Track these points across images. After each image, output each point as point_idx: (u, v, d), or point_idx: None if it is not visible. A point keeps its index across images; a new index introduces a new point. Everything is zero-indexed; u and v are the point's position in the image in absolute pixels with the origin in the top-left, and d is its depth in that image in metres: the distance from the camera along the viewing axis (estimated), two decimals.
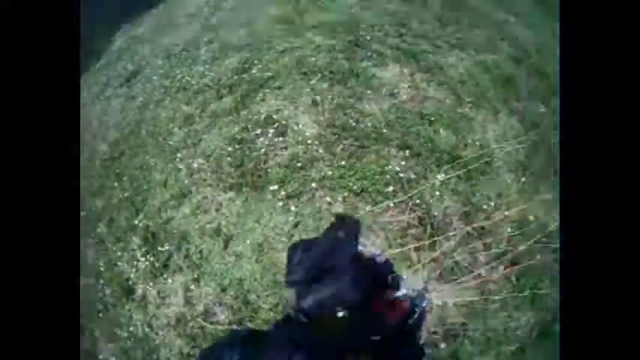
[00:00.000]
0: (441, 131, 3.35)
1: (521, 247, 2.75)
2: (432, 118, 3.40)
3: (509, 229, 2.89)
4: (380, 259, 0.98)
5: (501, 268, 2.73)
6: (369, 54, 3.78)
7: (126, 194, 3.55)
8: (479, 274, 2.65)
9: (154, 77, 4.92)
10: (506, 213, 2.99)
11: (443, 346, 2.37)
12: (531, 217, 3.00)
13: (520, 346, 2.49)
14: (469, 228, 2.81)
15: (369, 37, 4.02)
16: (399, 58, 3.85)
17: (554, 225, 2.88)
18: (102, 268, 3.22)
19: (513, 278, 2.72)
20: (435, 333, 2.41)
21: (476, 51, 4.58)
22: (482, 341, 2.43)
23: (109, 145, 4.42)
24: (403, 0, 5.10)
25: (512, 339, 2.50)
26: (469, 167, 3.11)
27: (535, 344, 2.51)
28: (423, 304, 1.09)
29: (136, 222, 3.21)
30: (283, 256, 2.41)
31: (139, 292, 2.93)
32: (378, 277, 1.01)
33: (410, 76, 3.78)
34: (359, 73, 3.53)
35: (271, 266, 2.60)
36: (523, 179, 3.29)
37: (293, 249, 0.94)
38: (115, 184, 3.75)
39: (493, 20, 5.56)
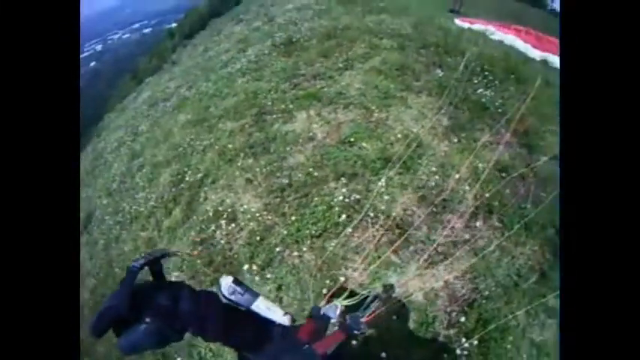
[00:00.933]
0: (364, 145, 3.70)
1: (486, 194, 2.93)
2: (352, 139, 3.76)
3: (467, 187, 3.15)
4: (225, 290, 1.04)
5: (478, 221, 2.89)
6: (275, 116, 4.23)
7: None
8: (462, 240, 2.79)
9: (106, 217, 5.08)
10: (457, 175, 3.27)
11: (463, 319, 2.47)
12: (480, 165, 3.33)
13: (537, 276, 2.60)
14: (432, 207, 3.01)
15: (270, 102, 4.50)
16: (302, 106, 4.33)
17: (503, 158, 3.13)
18: None
19: (495, 221, 2.90)
20: (450, 313, 2.50)
21: (362, 62, 5.11)
22: (499, 293, 2.53)
23: (90, 292, 4.47)
24: (284, 55, 5.73)
25: (525, 275, 2.61)
26: (403, 159, 3.37)
27: (552, 266, 2.66)
28: (361, 328, 1.23)
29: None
30: None
31: None
32: (224, 308, 0.98)
33: (317, 115, 4.23)
34: (275, 136, 3.93)
35: None
36: (456, 140, 3.64)
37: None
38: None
39: (368, 27, 6.23)
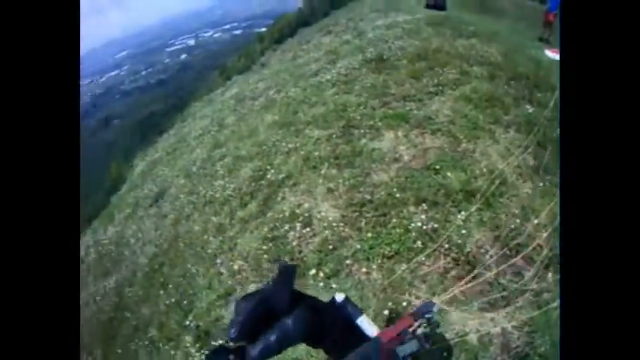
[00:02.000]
0: (449, 175, 3.58)
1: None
2: (437, 167, 3.66)
3: (544, 234, 2.91)
4: (339, 299, 1.01)
5: (549, 273, 2.69)
6: (362, 131, 4.24)
7: (172, 300, 3.85)
8: (529, 289, 2.62)
9: (181, 195, 5.48)
10: (536, 221, 3.05)
11: None
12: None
13: None
14: (506, 250, 2.85)
15: (358, 117, 4.53)
16: (390, 125, 4.30)
17: None
18: None
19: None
20: None
21: (452, 88, 5.01)
22: (552, 353, 2.35)
23: (148, 259, 4.85)
24: (375, 72, 5.76)
25: None
26: (485, 195, 3.25)
27: None
28: (432, 311, 1.09)
29: (187, 322, 3.45)
30: None
31: None
32: (335, 315, 1.00)
33: (405, 137, 4.17)
34: (361, 151, 3.94)
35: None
36: (540, 183, 3.42)
37: (236, 305, 0.99)
38: (161, 292, 4.09)
39: (459, 52, 6.09)
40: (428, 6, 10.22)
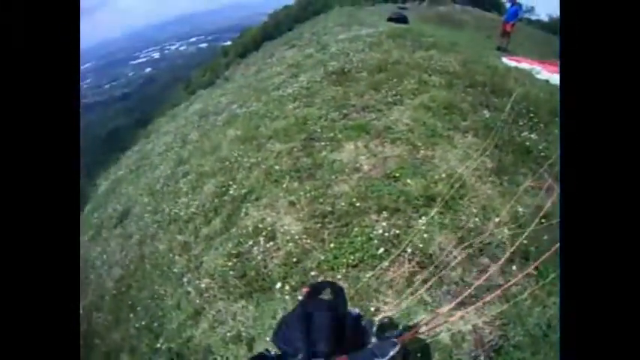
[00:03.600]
0: (409, 181, 3.69)
1: (524, 241, 2.78)
2: (397, 174, 3.77)
3: (506, 231, 3.05)
4: (354, 313, 1.10)
5: (514, 266, 2.76)
6: (323, 143, 4.33)
7: (142, 322, 3.71)
8: (498, 285, 2.64)
9: (145, 214, 5.31)
10: (497, 219, 3.18)
11: None
12: (521, 209, 3.24)
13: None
14: (470, 250, 2.96)
15: (319, 129, 4.63)
16: (350, 136, 4.42)
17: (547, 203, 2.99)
18: None
19: (533, 270, 2.69)
20: (476, 357, 2.40)
21: (410, 98, 5.19)
22: (527, 343, 2.42)
23: (115, 281, 4.66)
24: (336, 84, 5.93)
25: (556, 326, 2.43)
26: (445, 199, 3.36)
27: None
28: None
29: (159, 345, 3.34)
30: None
31: None
32: (352, 328, 1.08)
33: (365, 147, 4.29)
34: (322, 163, 4.00)
35: None
36: (500, 184, 3.58)
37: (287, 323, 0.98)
38: (130, 315, 3.93)
39: (418, 62, 6.35)
40: (390, 19, 10.70)
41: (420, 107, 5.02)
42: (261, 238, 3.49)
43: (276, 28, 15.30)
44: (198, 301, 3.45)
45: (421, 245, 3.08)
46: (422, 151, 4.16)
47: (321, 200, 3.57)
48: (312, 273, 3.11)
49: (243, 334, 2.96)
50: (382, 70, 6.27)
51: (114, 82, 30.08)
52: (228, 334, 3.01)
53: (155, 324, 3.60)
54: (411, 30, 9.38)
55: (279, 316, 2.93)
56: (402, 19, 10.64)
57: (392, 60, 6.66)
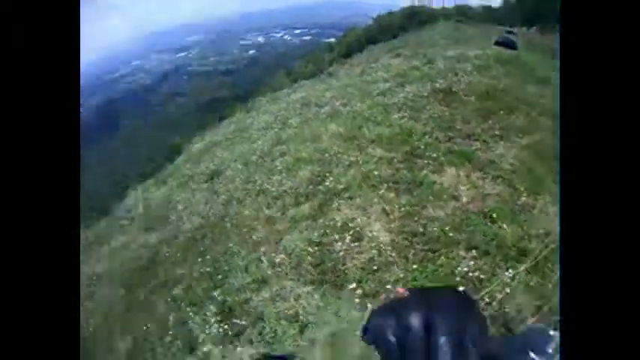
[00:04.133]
0: (505, 227, 3.50)
1: None
2: (494, 215, 3.60)
3: None
4: None
5: None
6: (425, 162, 4.31)
7: (207, 269, 4.02)
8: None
9: (236, 179, 5.69)
10: None
11: None
12: None
13: None
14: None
15: (422, 146, 4.61)
16: (453, 162, 4.32)
17: None
18: (170, 323, 3.62)
19: None
20: None
21: (519, 137, 4.90)
22: None
23: (193, 228, 5.07)
24: (442, 104, 5.80)
25: None
26: (537, 259, 3.12)
27: None
28: None
29: (215, 294, 3.60)
30: (354, 348, 2.61)
31: (204, 350, 3.18)
32: None
33: (466, 177, 4.17)
34: (422, 182, 3.99)
35: (342, 355, 2.73)
36: None
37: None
38: (199, 259, 4.29)
39: (528, 99, 5.94)
40: (498, 43, 10.02)
41: (527, 149, 4.71)
42: (347, 236, 3.61)
43: (380, 32, 15.38)
44: (269, 272, 3.64)
45: (499, 297, 2.90)
46: (523, 198, 3.91)
47: (415, 218, 3.57)
48: (388, 286, 3.11)
49: (301, 316, 3.07)
50: (490, 97, 6.01)
51: (218, 57, 32.77)
52: (286, 311, 3.14)
53: (219, 276, 3.87)
54: (519, 57, 8.86)
55: (341, 313, 3.04)
56: (511, 44, 9.88)
57: (500, 87, 6.32)
